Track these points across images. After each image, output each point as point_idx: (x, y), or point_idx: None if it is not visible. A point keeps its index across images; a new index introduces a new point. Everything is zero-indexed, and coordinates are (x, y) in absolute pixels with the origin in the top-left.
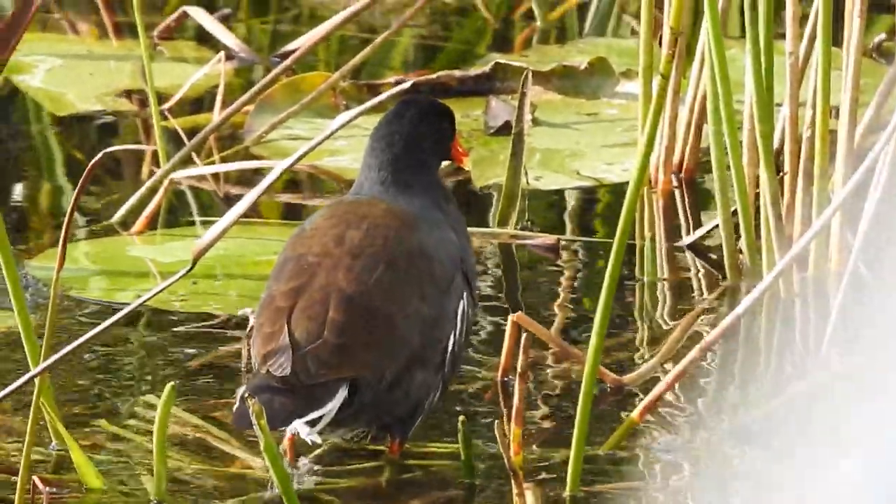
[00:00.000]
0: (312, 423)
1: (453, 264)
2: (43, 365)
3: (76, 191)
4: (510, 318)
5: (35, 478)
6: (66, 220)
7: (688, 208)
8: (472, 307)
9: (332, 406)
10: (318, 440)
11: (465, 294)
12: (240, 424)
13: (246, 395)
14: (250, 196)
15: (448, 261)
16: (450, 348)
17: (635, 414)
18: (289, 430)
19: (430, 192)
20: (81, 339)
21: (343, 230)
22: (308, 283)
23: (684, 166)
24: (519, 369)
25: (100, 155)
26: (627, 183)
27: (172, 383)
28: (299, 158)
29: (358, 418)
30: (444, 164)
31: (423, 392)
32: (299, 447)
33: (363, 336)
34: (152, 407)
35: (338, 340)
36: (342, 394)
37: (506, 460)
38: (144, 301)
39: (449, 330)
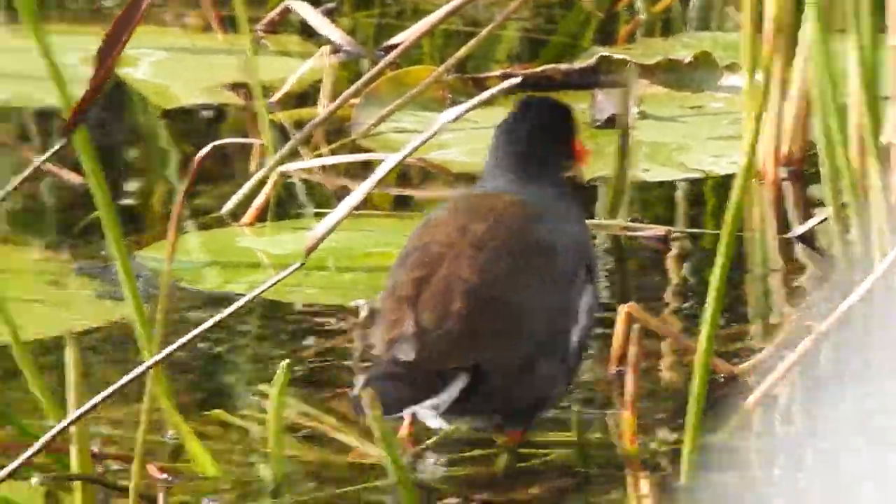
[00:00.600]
0: (432, 410)
1: (577, 257)
2: (160, 354)
3: (186, 181)
4: (622, 308)
5: (150, 465)
6: (175, 209)
7: (797, 200)
8: (595, 300)
9: (450, 395)
10: (444, 425)
11: (588, 287)
12: (359, 411)
13: (364, 383)
14: (363, 188)
15: (572, 253)
16: (574, 340)
17: (749, 403)
18: (408, 418)
19: (556, 186)
20: (199, 329)
21: (467, 221)
22: (431, 274)
23: (792, 158)
24: (632, 359)
25: (208, 147)
26: (734, 175)
27: (287, 361)
28: (413, 151)
29: (481, 408)
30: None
31: (548, 383)
32: (419, 435)
33: (487, 325)
34: (265, 396)
35: (462, 328)
36: (461, 383)
37: (620, 449)
38: (261, 292)
39: (573, 321)
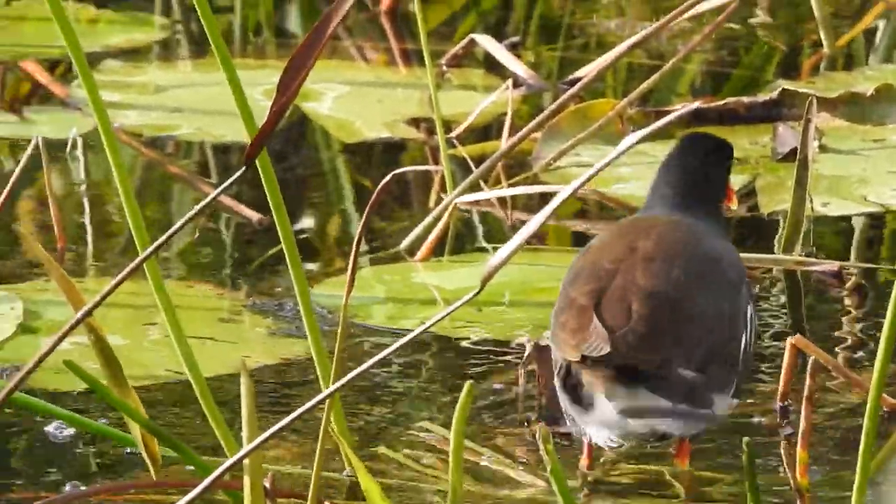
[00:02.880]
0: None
1: (740, 271)
2: (333, 387)
3: (365, 214)
4: (788, 340)
5: (326, 503)
6: (354, 245)
7: None
8: (755, 317)
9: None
10: (615, 444)
11: (750, 302)
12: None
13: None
14: (538, 218)
15: (736, 266)
16: (742, 346)
17: None
18: (587, 446)
19: (713, 216)
20: (369, 363)
21: (633, 240)
22: (607, 285)
23: None
24: (806, 392)
25: (389, 176)
26: None
27: (470, 382)
28: (586, 181)
29: (663, 410)
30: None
31: (722, 384)
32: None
33: (668, 325)
34: (430, 431)
35: (645, 329)
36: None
37: (792, 483)
38: (428, 327)
39: (742, 328)
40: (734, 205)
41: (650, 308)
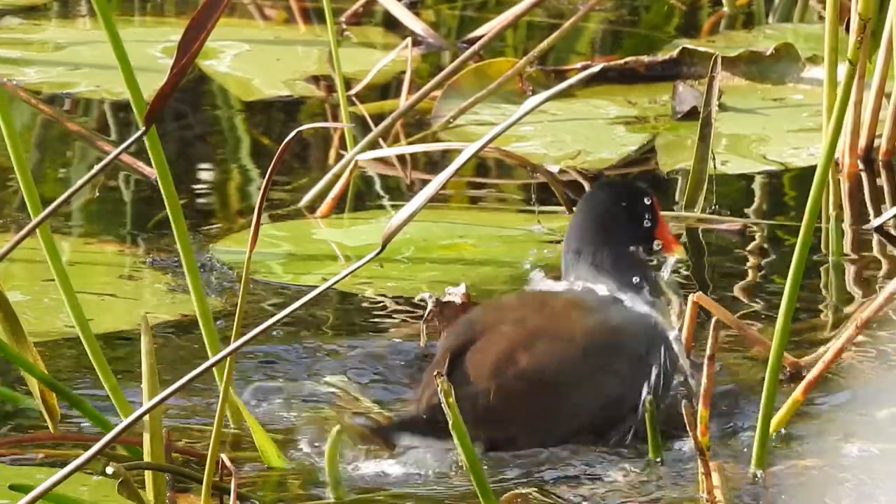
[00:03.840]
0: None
1: (644, 341)
2: (232, 346)
3: (269, 170)
4: (690, 297)
5: (223, 456)
6: (259, 200)
7: (875, 192)
8: (671, 379)
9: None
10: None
11: (663, 364)
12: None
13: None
14: (441, 178)
15: (637, 338)
16: (631, 429)
17: (798, 393)
18: None
19: (626, 273)
20: (270, 322)
21: (522, 310)
22: (469, 344)
23: (871, 150)
24: (708, 351)
25: (294, 132)
26: (813, 167)
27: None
28: (489, 141)
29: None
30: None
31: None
32: None
33: (513, 402)
34: (331, 386)
35: (495, 404)
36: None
37: (692, 440)
38: (332, 284)
39: (629, 408)
40: (677, 253)
41: (496, 383)
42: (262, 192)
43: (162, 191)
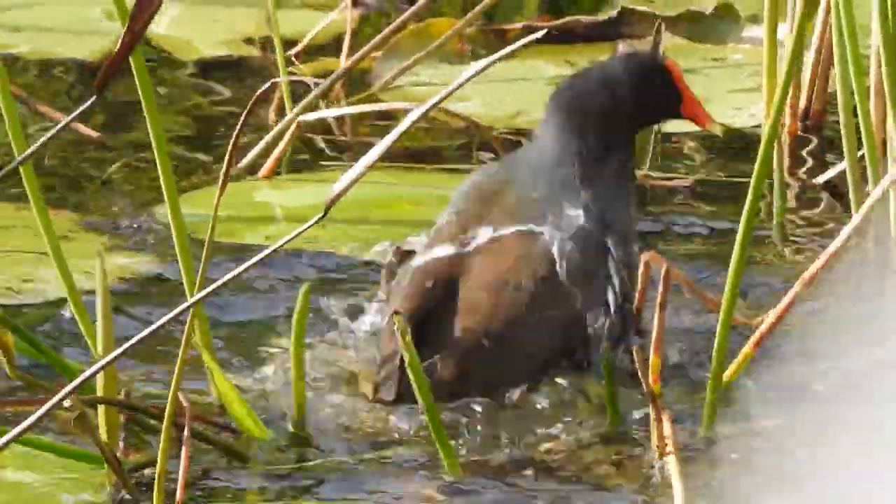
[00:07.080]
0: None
1: (582, 262)
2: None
3: (237, 130)
4: (642, 257)
5: (180, 395)
6: (227, 156)
7: (814, 152)
8: (623, 272)
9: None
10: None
11: (612, 267)
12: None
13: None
14: (386, 141)
15: (575, 259)
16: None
17: (748, 347)
18: None
19: (615, 166)
20: (223, 279)
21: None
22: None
23: (811, 110)
24: (659, 299)
25: (262, 89)
26: (755, 127)
27: (308, 284)
28: (441, 101)
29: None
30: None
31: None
32: None
33: (479, 364)
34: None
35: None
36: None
37: (644, 386)
38: (282, 244)
39: (581, 329)
40: (712, 128)
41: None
42: (229, 150)
43: (157, 156)
